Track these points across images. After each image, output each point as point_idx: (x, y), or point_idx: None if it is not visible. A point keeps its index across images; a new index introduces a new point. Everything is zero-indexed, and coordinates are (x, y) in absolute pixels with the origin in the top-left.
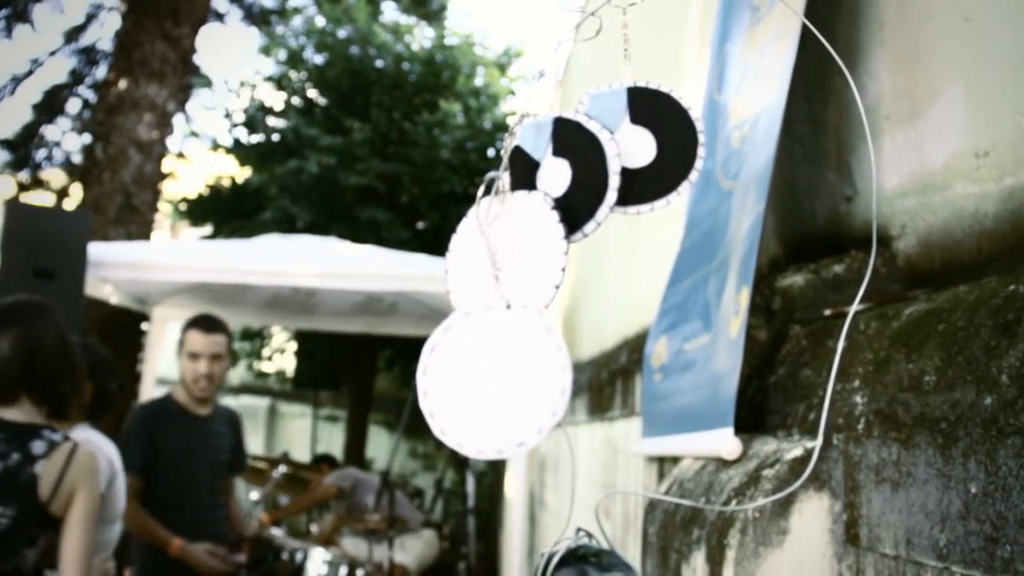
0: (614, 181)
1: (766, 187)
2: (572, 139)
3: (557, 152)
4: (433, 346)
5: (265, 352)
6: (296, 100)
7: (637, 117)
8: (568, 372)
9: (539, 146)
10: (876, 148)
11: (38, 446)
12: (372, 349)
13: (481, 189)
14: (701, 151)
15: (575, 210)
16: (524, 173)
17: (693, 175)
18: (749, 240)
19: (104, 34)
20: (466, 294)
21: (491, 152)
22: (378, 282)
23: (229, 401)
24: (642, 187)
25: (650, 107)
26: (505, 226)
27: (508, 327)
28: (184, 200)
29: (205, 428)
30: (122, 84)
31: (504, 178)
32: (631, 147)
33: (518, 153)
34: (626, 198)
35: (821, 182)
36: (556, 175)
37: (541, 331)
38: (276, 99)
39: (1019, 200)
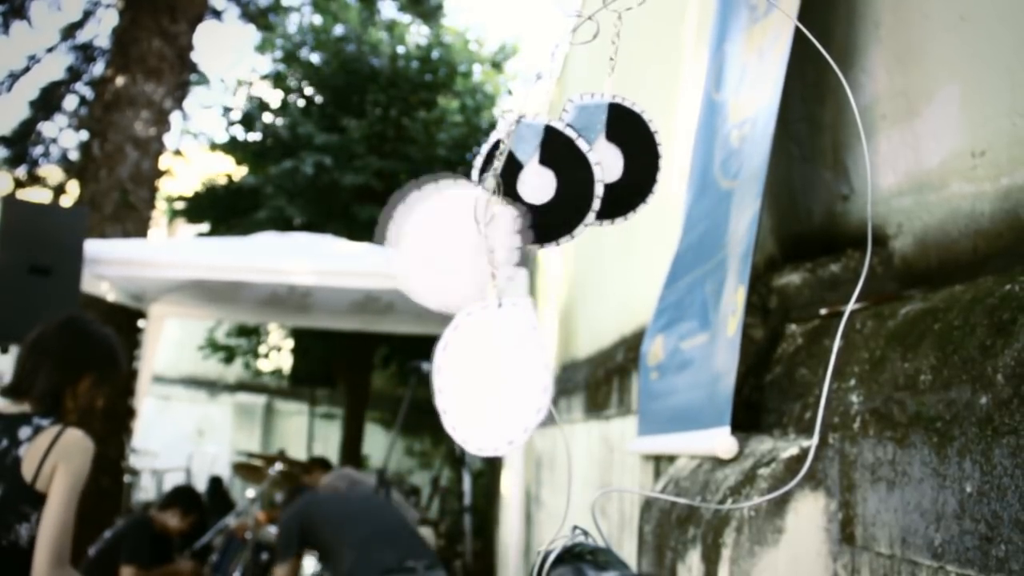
0: (596, 204)
1: (761, 186)
2: (561, 154)
3: (544, 162)
4: (445, 344)
5: (261, 350)
6: (292, 97)
7: (612, 135)
8: (549, 369)
9: (526, 149)
10: (872, 147)
11: (24, 432)
12: (368, 347)
13: (481, 187)
14: (659, 176)
15: (552, 220)
16: (507, 173)
17: (650, 199)
18: (747, 239)
19: (101, 31)
20: (422, 280)
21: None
22: (375, 280)
23: (226, 398)
24: (605, 204)
25: (624, 127)
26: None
27: (500, 325)
28: (180, 199)
29: None
30: (119, 81)
31: (493, 179)
32: (604, 164)
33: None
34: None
35: (817, 181)
36: (540, 183)
37: (527, 329)
38: (273, 96)
39: (1015, 199)
